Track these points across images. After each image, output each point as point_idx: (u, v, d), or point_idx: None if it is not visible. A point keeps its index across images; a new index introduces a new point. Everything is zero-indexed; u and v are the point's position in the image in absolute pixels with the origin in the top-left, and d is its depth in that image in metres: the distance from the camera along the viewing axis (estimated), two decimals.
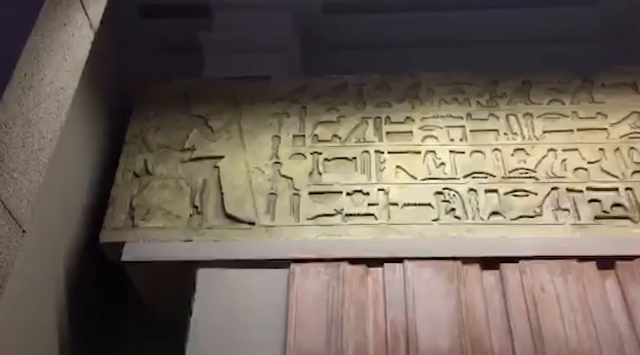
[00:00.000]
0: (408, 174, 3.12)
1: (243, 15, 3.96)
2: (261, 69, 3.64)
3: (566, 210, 2.94)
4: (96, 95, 3.25)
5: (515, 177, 3.07)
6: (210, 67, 3.82)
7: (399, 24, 4.24)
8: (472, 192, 3.03)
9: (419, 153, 3.19)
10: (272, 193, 3.09)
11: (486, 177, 3.08)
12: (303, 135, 3.29)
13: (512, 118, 3.29)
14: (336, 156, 3.21)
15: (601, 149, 3.14)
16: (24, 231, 2.00)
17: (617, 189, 2.99)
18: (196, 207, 3.06)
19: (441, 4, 4.16)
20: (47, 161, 2.14)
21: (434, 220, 2.95)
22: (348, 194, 3.06)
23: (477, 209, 2.97)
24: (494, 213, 2.96)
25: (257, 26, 3.93)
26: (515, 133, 3.23)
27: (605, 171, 3.06)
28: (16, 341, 2.58)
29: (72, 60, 2.31)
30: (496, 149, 3.18)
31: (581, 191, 2.99)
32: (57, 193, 2.88)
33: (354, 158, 3.19)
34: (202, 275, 2.87)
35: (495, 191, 3.03)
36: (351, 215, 2.99)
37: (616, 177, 3.03)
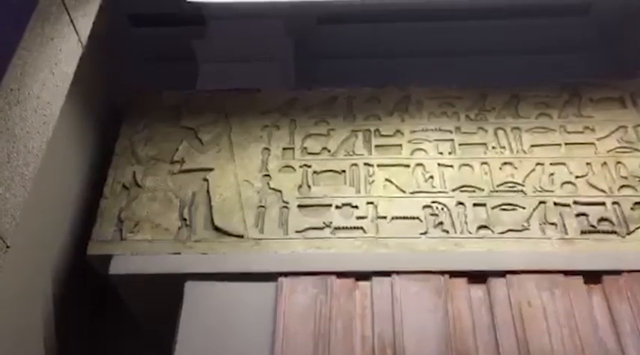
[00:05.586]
0: (396, 187, 3.12)
1: (236, 25, 3.98)
2: (255, 78, 3.64)
3: (553, 224, 2.94)
4: (85, 107, 3.24)
5: (503, 191, 3.07)
6: (204, 76, 3.83)
7: (393, 34, 4.27)
8: (460, 205, 3.03)
9: (408, 166, 3.20)
10: (261, 206, 3.08)
11: (474, 191, 3.08)
12: (293, 148, 3.29)
13: (500, 132, 3.30)
14: (326, 169, 3.21)
15: (588, 163, 3.14)
16: (8, 247, 1.99)
17: (604, 204, 3.00)
18: (185, 220, 3.05)
19: (436, 16, 4.19)
20: (33, 176, 2.13)
21: (422, 234, 2.95)
22: (337, 207, 3.06)
23: (465, 223, 2.98)
24: (482, 226, 2.96)
25: (251, 36, 3.94)
26: (504, 147, 3.24)
27: (592, 186, 3.07)
28: None
29: (60, 74, 2.30)
30: (484, 163, 3.19)
31: (568, 205, 3.00)
32: (45, 205, 2.88)
33: (343, 171, 3.19)
34: (190, 288, 2.86)
35: (483, 205, 3.03)
36: (339, 228, 2.99)
37: (603, 191, 3.04)
